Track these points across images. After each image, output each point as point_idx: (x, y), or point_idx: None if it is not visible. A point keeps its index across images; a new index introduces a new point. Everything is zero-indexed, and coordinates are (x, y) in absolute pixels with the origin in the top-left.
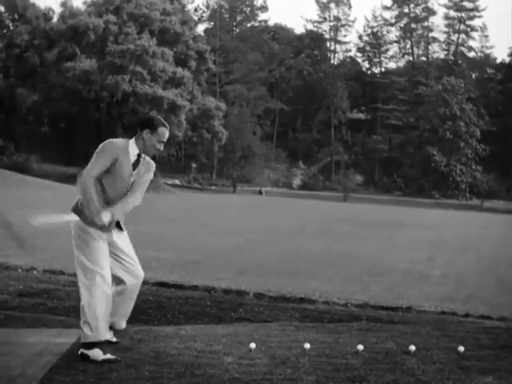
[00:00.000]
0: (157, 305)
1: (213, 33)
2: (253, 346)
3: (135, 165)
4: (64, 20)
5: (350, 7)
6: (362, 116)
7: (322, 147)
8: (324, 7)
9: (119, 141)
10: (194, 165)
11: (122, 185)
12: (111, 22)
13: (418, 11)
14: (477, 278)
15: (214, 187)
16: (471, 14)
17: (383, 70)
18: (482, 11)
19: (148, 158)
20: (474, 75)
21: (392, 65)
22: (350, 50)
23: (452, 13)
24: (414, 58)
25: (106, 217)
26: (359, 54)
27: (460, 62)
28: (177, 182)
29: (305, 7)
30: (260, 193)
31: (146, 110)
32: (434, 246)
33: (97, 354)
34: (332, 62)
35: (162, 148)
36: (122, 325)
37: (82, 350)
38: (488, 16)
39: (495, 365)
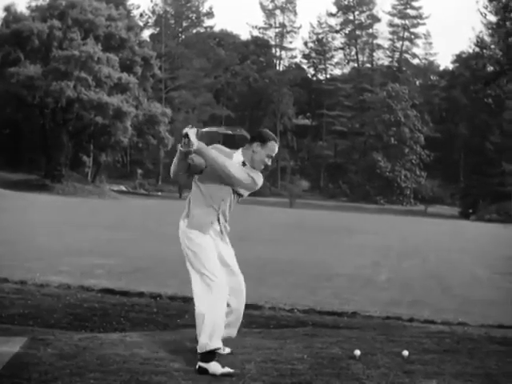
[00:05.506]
0: (102, 312)
1: (158, 39)
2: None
3: None
4: (8, 24)
5: (295, 14)
6: (307, 122)
7: None
8: (269, 14)
9: (223, 147)
10: (139, 171)
11: (225, 187)
12: (56, 27)
13: (362, 18)
14: (422, 283)
15: (159, 193)
16: (415, 21)
17: (328, 76)
18: (426, 19)
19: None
20: (418, 82)
21: (337, 71)
22: (295, 57)
23: (396, 20)
24: (358, 64)
25: (190, 130)
26: (305, 61)
27: (404, 68)
28: (122, 188)
29: (250, 14)
30: None
31: (92, 116)
32: (380, 252)
33: (215, 367)
34: (278, 68)
35: (270, 163)
36: (234, 333)
37: (200, 364)
38: (431, 24)
39: (439, 368)
